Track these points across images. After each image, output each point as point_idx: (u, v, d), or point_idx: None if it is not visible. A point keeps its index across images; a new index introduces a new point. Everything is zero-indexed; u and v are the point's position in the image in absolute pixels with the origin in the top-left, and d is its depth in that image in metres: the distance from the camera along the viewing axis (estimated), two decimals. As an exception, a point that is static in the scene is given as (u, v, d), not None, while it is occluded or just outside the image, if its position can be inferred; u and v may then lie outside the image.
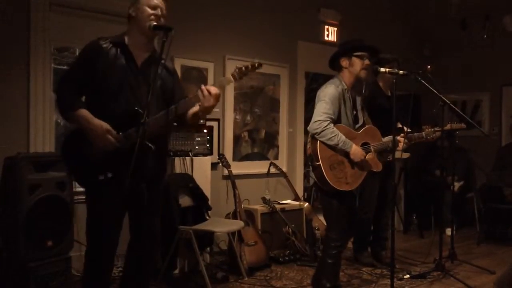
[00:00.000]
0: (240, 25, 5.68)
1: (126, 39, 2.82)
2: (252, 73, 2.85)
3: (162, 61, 2.73)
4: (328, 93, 3.62)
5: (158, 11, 2.79)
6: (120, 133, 2.67)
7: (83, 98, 2.81)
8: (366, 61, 3.71)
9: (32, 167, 3.61)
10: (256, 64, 2.72)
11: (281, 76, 6.11)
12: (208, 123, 4.95)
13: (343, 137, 3.55)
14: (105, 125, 2.65)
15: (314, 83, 7.01)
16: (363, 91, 3.87)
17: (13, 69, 4.16)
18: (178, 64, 5.11)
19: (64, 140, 2.85)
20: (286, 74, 6.15)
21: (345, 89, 3.68)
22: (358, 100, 3.85)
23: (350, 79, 3.72)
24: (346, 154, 3.63)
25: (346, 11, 6.66)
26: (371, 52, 3.78)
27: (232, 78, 2.74)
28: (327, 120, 3.52)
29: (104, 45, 2.76)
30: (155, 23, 2.71)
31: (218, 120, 5.46)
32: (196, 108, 2.78)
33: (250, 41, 5.76)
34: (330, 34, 6.56)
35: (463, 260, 5.04)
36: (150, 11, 2.76)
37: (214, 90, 2.67)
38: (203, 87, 2.69)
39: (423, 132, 4.31)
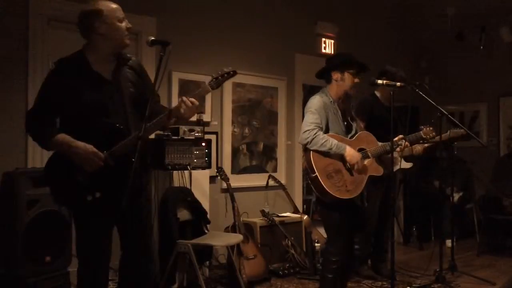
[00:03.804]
0: (237, 38, 5.70)
1: (88, 55, 2.71)
2: (229, 80, 2.87)
3: (128, 64, 2.75)
4: (314, 103, 3.63)
5: (127, 23, 2.73)
6: (105, 152, 2.62)
7: (58, 121, 2.74)
8: (357, 79, 3.70)
9: (30, 182, 3.61)
10: (231, 72, 2.74)
11: (279, 89, 6.13)
12: (206, 136, 4.95)
13: (335, 141, 3.51)
14: (89, 147, 2.58)
15: (312, 95, 7.02)
16: (351, 105, 3.88)
17: (12, 84, 4.17)
18: (175, 78, 5.13)
19: (46, 166, 2.75)
20: (284, 87, 6.17)
21: (331, 101, 3.67)
22: (348, 111, 3.84)
23: (338, 92, 3.69)
24: (343, 162, 3.59)
25: (343, 24, 6.70)
26: (362, 69, 3.78)
27: (209, 88, 2.75)
28: (316, 129, 3.51)
29: (66, 68, 2.67)
30: (153, 38, 2.69)
31: (216, 133, 5.46)
32: (173, 119, 2.76)
33: (248, 54, 5.79)
34: (327, 46, 6.59)
35: (464, 272, 5.02)
36: (122, 25, 2.70)
37: (194, 101, 2.69)
38: (185, 98, 2.68)
39: (421, 132, 4.13)
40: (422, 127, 4.21)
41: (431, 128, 4.18)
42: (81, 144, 2.59)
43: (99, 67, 2.71)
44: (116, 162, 2.61)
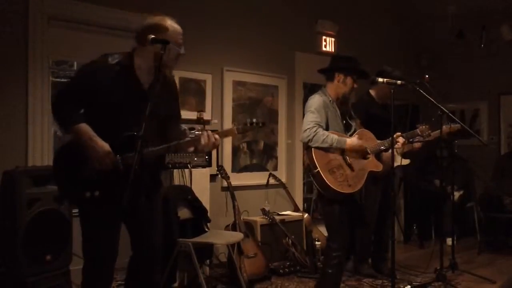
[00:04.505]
0: (237, 36, 5.69)
1: (136, 59, 2.74)
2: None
3: (166, 81, 2.79)
4: (314, 103, 3.73)
5: (182, 49, 2.80)
6: (118, 156, 2.63)
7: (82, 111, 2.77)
8: (355, 85, 3.83)
9: (31, 180, 3.60)
10: (260, 124, 2.77)
11: (279, 87, 6.12)
12: (207, 135, 4.93)
13: (336, 136, 3.64)
14: (106, 147, 2.61)
15: (312, 93, 7.01)
16: (348, 105, 3.98)
17: (12, 83, 4.16)
18: (176, 76, 5.09)
19: (56, 153, 2.80)
20: (284, 85, 6.16)
21: (330, 100, 3.76)
22: (346, 110, 3.93)
23: (337, 93, 3.82)
24: (344, 157, 3.69)
25: (343, 22, 6.69)
26: (364, 76, 3.90)
27: (236, 132, 2.81)
28: (316, 126, 3.61)
29: (110, 64, 2.70)
30: (153, 36, 2.69)
31: (216, 131, 5.44)
32: (191, 148, 2.83)
33: (248, 53, 5.78)
34: (328, 44, 6.58)
35: (464, 270, 5.02)
36: (176, 49, 2.76)
37: (218, 139, 2.75)
38: (210, 133, 2.74)
39: (418, 129, 4.35)
40: (418, 125, 4.43)
41: (427, 126, 4.39)
42: (100, 141, 2.61)
43: (140, 74, 2.75)
44: (125, 169, 2.60)
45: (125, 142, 2.63)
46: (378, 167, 3.86)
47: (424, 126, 4.41)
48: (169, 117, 2.88)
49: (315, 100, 3.73)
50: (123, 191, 2.46)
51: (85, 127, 2.63)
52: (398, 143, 4.11)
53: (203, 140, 2.72)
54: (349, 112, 3.97)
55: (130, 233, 2.87)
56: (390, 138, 3.85)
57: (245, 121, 2.78)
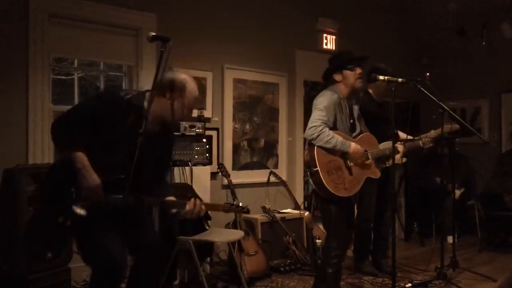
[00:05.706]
0: (238, 34, 5.69)
1: (146, 104, 2.71)
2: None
3: (167, 132, 2.87)
4: (324, 100, 3.67)
5: (190, 113, 2.89)
6: (104, 193, 2.63)
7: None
8: (358, 70, 3.76)
9: (31, 178, 3.61)
10: (245, 209, 2.80)
11: (280, 85, 6.12)
12: (207, 133, 4.94)
13: (340, 138, 3.59)
14: (98, 180, 2.60)
15: (313, 91, 7.02)
16: (360, 99, 3.93)
17: (12, 80, 4.17)
18: (177, 74, 5.11)
19: (49, 168, 2.83)
20: (284, 83, 6.16)
21: (341, 98, 3.73)
22: (355, 109, 3.91)
23: (346, 90, 3.79)
24: (344, 160, 3.67)
25: (344, 20, 6.69)
26: (360, 60, 3.85)
27: (222, 209, 2.83)
28: (322, 125, 3.56)
29: (121, 99, 2.72)
30: (153, 34, 2.69)
31: (217, 129, 5.46)
32: (174, 210, 2.82)
33: (249, 51, 5.78)
34: (329, 42, 6.58)
35: (465, 268, 5.02)
36: (184, 112, 2.81)
37: (202, 210, 2.76)
38: (199, 203, 2.75)
39: (420, 142, 4.36)
40: (422, 136, 4.48)
41: (429, 139, 4.43)
42: (93, 173, 2.60)
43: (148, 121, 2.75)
44: (107, 207, 2.64)
45: (114, 182, 2.62)
46: (376, 174, 3.87)
47: (427, 139, 4.42)
48: (158, 163, 2.90)
49: (326, 98, 3.68)
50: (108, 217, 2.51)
51: (82, 155, 2.61)
52: (398, 153, 4.13)
53: (188, 207, 2.73)
54: (358, 112, 3.95)
55: (128, 243, 2.87)
56: (392, 146, 3.85)
57: (231, 203, 2.81)
